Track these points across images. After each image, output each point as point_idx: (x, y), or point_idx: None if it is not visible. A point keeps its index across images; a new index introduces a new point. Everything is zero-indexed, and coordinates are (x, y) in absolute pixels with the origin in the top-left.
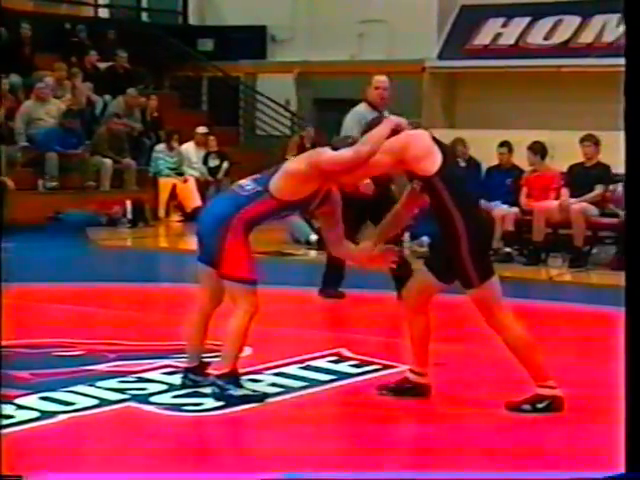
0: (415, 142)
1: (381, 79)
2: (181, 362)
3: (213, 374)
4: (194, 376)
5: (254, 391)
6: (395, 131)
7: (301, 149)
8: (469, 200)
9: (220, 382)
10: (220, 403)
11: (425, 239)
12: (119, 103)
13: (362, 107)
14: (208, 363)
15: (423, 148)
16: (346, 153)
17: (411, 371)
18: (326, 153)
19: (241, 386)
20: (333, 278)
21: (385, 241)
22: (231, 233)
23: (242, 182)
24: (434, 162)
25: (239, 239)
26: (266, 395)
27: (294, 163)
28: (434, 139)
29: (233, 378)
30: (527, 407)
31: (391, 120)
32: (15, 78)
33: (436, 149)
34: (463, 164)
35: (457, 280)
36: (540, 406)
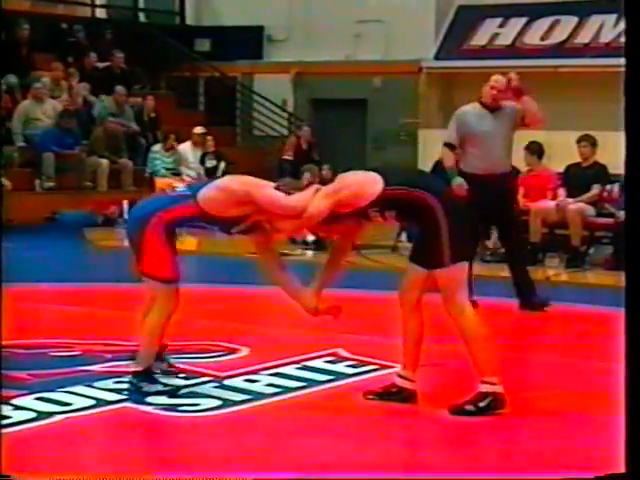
0: (346, 180)
1: (497, 79)
2: (178, 362)
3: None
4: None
5: (166, 385)
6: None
7: (298, 149)
8: (439, 186)
9: (134, 380)
10: (218, 403)
11: None
12: (109, 102)
13: (470, 107)
14: (164, 355)
15: (354, 182)
16: (282, 198)
17: (399, 375)
18: (265, 190)
19: (155, 382)
20: None
21: (327, 285)
22: (149, 231)
23: (175, 185)
24: (374, 183)
25: (159, 238)
26: (179, 387)
27: (234, 182)
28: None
29: (147, 376)
30: (470, 408)
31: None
32: (12, 78)
33: (367, 174)
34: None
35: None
36: (482, 405)
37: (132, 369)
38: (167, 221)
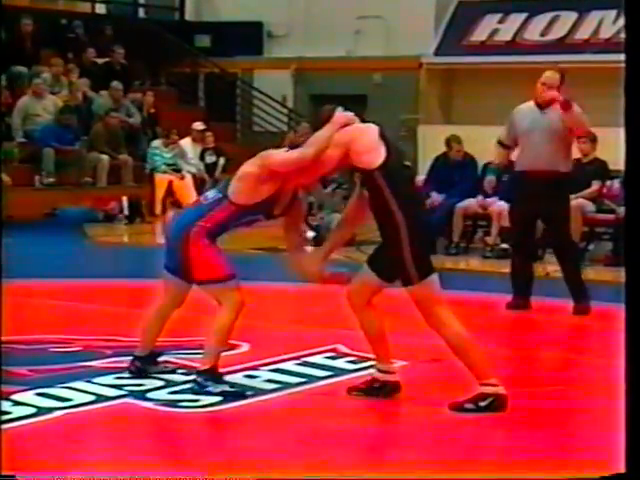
0: (361, 135)
1: (547, 75)
2: (179, 358)
3: (196, 369)
4: (139, 363)
5: (232, 386)
6: (344, 127)
7: (296, 146)
8: (412, 199)
9: (200, 379)
10: (218, 399)
11: None
12: (106, 98)
13: (524, 105)
14: (159, 354)
15: (368, 141)
16: (292, 155)
17: (378, 370)
18: (275, 155)
19: (221, 382)
20: None
21: (334, 251)
22: (192, 242)
23: (208, 192)
24: (377, 156)
25: (202, 244)
26: (245, 392)
27: (247, 166)
28: (382, 136)
29: (213, 375)
30: (470, 406)
31: (340, 117)
32: (21, 69)
33: (381, 145)
34: (458, 159)
35: (397, 278)
36: (482, 404)
37: (198, 367)
38: (209, 229)
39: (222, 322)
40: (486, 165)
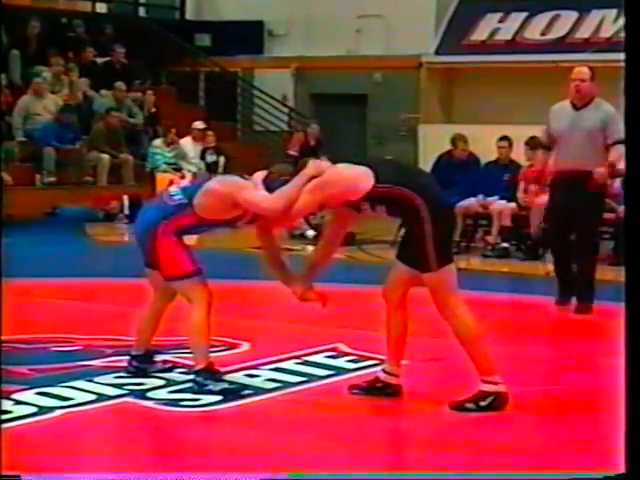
0: (332, 177)
1: (578, 70)
2: (179, 357)
3: (193, 370)
4: (137, 363)
5: (231, 384)
6: (312, 178)
7: (305, 146)
8: (429, 187)
9: (199, 378)
10: (217, 398)
11: None
12: (108, 97)
13: (559, 104)
14: (155, 353)
15: (342, 179)
16: (262, 201)
17: (383, 370)
18: (246, 191)
19: (221, 381)
20: None
21: (317, 275)
22: (160, 240)
23: (171, 190)
24: (366, 179)
25: (168, 241)
26: (245, 387)
27: (218, 184)
28: (357, 162)
29: (211, 373)
30: (471, 405)
31: (309, 169)
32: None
33: (356, 169)
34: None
35: (417, 264)
36: (483, 404)
37: (194, 367)
38: (173, 229)
39: (194, 320)
40: (487, 164)
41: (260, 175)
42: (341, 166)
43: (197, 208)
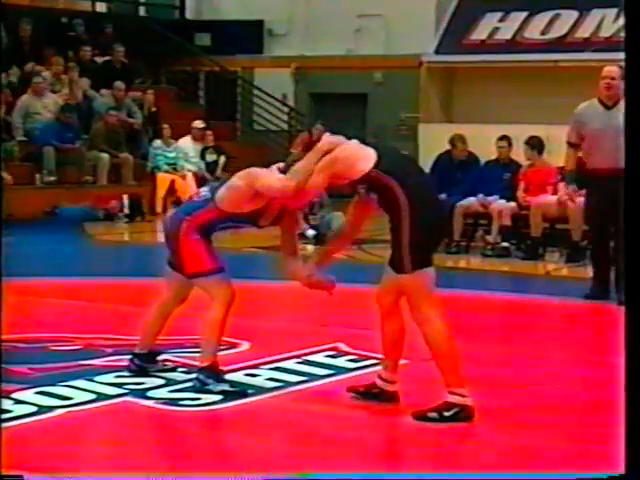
0: (343, 153)
1: (608, 69)
2: (179, 357)
3: (197, 366)
4: (139, 362)
5: (233, 386)
6: (327, 153)
7: (309, 145)
8: (419, 188)
9: (201, 376)
10: (218, 397)
11: None
12: (108, 97)
13: (587, 103)
14: (159, 352)
15: (350, 153)
16: (276, 183)
17: (379, 377)
18: (261, 177)
19: (222, 381)
20: None
21: (329, 261)
22: (183, 236)
23: (202, 189)
24: (367, 160)
25: (192, 238)
26: (246, 391)
27: (237, 179)
28: (365, 142)
29: (214, 373)
30: (434, 415)
31: (323, 144)
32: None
33: (366, 148)
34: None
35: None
36: (447, 414)
37: (198, 364)
38: (197, 225)
39: (213, 316)
40: (487, 163)
41: (277, 165)
42: (351, 143)
43: (218, 201)
